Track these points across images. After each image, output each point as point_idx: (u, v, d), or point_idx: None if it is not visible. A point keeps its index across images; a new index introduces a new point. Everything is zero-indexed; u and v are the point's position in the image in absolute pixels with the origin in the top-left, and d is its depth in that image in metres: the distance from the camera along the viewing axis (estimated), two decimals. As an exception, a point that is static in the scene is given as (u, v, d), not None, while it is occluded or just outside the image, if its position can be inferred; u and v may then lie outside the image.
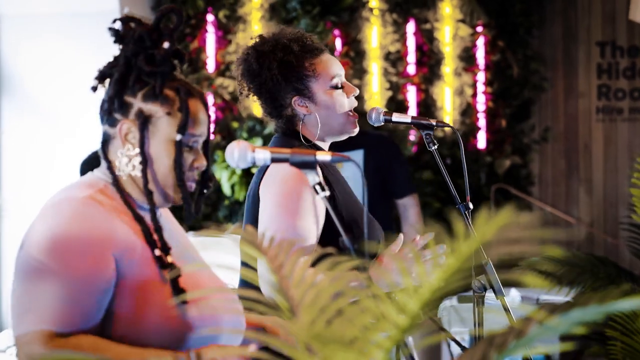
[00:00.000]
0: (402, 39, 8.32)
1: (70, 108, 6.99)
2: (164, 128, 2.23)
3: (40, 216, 2.19)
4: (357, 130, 3.08)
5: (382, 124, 3.16)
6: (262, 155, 2.16)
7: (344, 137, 3.09)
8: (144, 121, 2.21)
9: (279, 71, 2.99)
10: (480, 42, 8.62)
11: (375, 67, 8.13)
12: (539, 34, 9.07)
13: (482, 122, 8.65)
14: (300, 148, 2.94)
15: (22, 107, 7.02)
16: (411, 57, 8.36)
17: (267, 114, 3.09)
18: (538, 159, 9.13)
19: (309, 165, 2.13)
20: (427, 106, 8.45)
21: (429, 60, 8.46)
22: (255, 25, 7.81)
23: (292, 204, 2.80)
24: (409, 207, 6.00)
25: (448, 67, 8.49)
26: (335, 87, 3.03)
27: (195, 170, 2.28)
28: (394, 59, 8.27)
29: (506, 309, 3.03)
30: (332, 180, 2.95)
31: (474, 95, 8.62)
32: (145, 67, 2.21)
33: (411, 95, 8.35)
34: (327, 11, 7.94)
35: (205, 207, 5.61)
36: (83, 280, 2.09)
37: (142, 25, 2.24)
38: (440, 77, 8.47)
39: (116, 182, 2.23)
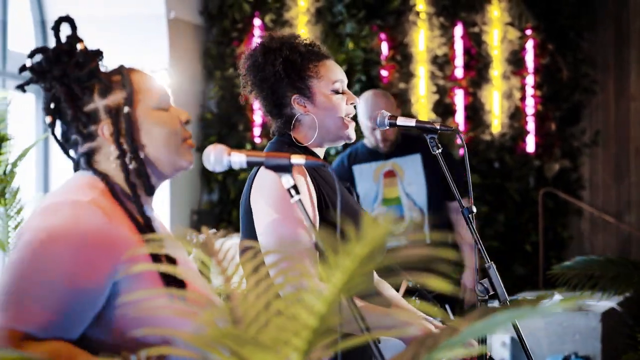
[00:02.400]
0: (450, 42, 8.31)
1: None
2: (138, 105, 2.27)
3: (38, 215, 2.18)
4: (353, 136, 3.08)
5: (387, 127, 3.17)
6: (238, 158, 2.19)
7: (339, 143, 3.10)
8: (116, 113, 2.24)
9: (282, 67, 3.02)
10: (530, 45, 8.56)
11: (422, 70, 8.13)
12: (590, 37, 8.98)
13: (531, 125, 8.59)
14: (293, 151, 2.98)
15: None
16: (459, 61, 8.35)
17: (267, 113, 3.11)
18: (589, 163, 9.04)
19: (284, 169, 2.15)
20: (475, 110, 8.43)
21: (477, 63, 8.44)
22: (302, 29, 7.85)
23: (285, 211, 2.81)
24: (459, 210, 6.02)
25: (496, 70, 8.45)
26: (336, 92, 3.05)
27: (187, 123, 2.32)
28: (441, 63, 8.27)
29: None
30: (321, 183, 2.96)
31: (523, 98, 8.58)
32: (80, 72, 2.23)
33: (459, 98, 8.34)
34: (372, 15, 7.96)
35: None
36: (67, 288, 2.07)
37: (47, 50, 2.27)
38: (489, 80, 8.44)
39: (114, 191, 2.23)
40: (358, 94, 7.84)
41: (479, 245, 3.00)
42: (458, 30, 8.33)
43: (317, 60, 3.07)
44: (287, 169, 2.16)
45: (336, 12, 7.93)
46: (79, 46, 2.28)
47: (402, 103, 8.01)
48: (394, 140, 5.51)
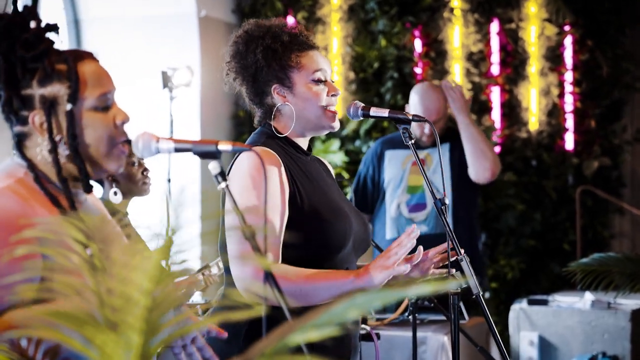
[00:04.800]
0: (485, 39, 8.23)
1: (149, 107, 7.14)
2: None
3: None
4: (337, 125, 3.07)
5: (361, 118, 3.16)
6: (166, 145, 2.19)
7: (323, 132, 3.09)
8: (49, 106, 2.19)
9: (262, 56, 3.02)
10: (568, 41, 8.44)
11: (457, 67, 8.07)
12: (631, 32, 8.80)
13: (569, 122, 8.47)
14: (271, 141, 2.98)
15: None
16: (495, 57, 8.26)
17: (250, 101, 3.12)
18: (630, 161, 8.87)
19: (211, 155, 2.15)
20: (512, 107, 8.34)
21: (513, 60, 8.34)
22: (334, 26, 7.85)
23: (250, 200, 2.80)
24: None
25: (533, 67, 8.35)
26: (317, 82, 3.03)
27: (122, 125, 2.27)
28: (477, 59, 8.19)
29: (483, 306, 2.97)
30: (296, 172, 2.96)
31: (561, 95, 8.45)
32: (24, 54, 2.18)
33: (495, 95, 8.26)
34: (405, 11, 7.92)
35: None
36: None
37: (3, 18, 2.20)
38: (525, 77, 8.34)
39: (37, 178, 2.21)
40: (390, 91, 7.82)
41: (451, 237, 2.95)
42: (494, 27, 8.24)
43: (300, 51, 3.06)
44: (214, 155, 2.16)
45: (368, 9, 7.92)
46: (32, 24, 2.22)
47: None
48: (439, 134, 5.52)
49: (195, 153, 2.18)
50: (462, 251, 2.97)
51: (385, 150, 5.69)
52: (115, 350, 1.27)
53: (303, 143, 3.11)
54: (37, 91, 2.22)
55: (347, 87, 7.86)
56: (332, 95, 3.06)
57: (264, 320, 2.17)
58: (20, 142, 2.27)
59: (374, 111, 3.12)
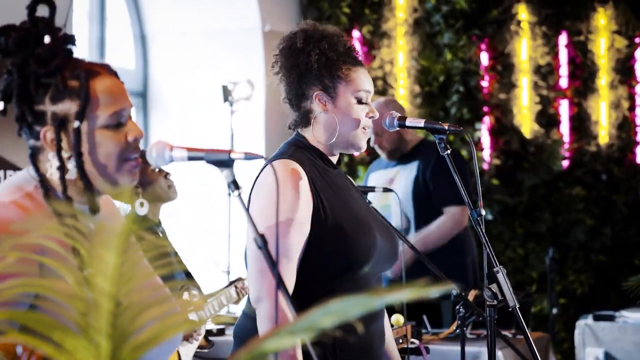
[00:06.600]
0: (553, 51, 8.14)
1: (212, 121, 7.20)
2: (85, 120, 2.18)
3: None
4: (364, 147, 3.04)
5: (397, 128, 3.13)
6: (179, 153, 2.19)
7: (350, 151, 3.06)
8: (60, 124, 2.17)
9: (316, 59, 2.97)
10: (638, 53, 8.31)
11: (524, 80, 7.99)
12: None
13: (640, 136, 8.35)
14: (300, 152, 2.96)
15: (166, 120, 7.31)
16: (563, 70, 8.17)
17: (286, 100, 3.05)
18: None
19: (224, 164, 2.15)
20: (581, 120, 8.23)
21: (582, 73, 8.24)
22: (400, 40, 7.83)
23: (274, 216, 2.77)
24: (441, 216, 5.67)
25: (603, 79, 8.23)
26: (359, 101, 3.01)
27: (135, 142, 2.24)
28: (545, 72, 8.11)
29: (519, 318, 2.92)
30: (321, 186, 2.93)
31: (632, 108, 8.32)
32: (38, 69, 2.15)
33: (563, 109, 8.16)
34: (471, 25, 7.87)
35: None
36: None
37: (21, 30, 2.17)
38: (595, 90, 8.23)
39: (46, 193, 2.19)
40: (456, 105, 7.77)
41: (488, 249, 2.91)
42: (562, 39, 8.16)
43: (352, 65, 3.02)
44: (227, 163, 2.16)
45: (434, 22, 7.88)
46: (47, 38, 2.18)
47: (503, 114, 7.89)
48: (391, 148, 5.50)
49: (208, 161, 2.17)
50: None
51: (370, 173, 5.78)
52: (86, 355, 1.27)
53: (333, 160, 3.08)
54: (49, 108, 2.19)
55: (413, 101, 7.83)
56: (370, 117, 3.03)
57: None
58: (34, 155, 2.26)
59: (409, 121, 3.10)
